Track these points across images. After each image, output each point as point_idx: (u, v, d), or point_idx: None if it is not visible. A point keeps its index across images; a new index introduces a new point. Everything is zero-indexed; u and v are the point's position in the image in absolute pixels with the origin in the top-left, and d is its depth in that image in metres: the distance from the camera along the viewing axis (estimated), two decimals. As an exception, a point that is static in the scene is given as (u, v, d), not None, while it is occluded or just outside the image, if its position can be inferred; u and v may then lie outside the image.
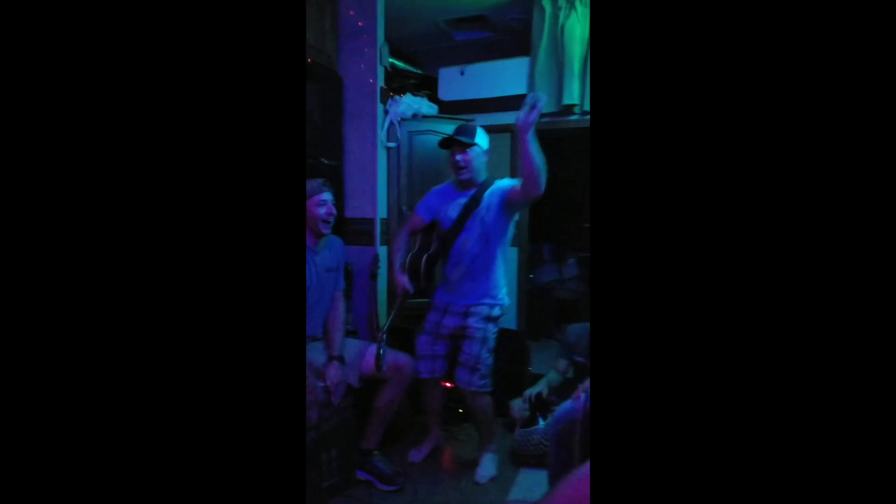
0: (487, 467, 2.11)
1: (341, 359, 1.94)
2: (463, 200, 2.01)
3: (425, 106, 2.70)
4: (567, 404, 1.42)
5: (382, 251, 2.65)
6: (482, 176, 2.03)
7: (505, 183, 1.99)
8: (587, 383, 1.55)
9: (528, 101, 1.65)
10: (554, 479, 1.43)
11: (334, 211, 1.89)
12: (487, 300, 2.02)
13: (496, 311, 2.03)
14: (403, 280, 2.04)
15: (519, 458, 2.20)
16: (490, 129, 2.78)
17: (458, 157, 1.95)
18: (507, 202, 1.94)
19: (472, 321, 2.01)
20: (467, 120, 2.70)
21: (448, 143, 1.98)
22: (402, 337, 2.47)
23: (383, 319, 2.67)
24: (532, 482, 2.06)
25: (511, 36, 3.02)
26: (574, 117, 2.68)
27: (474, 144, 1.95)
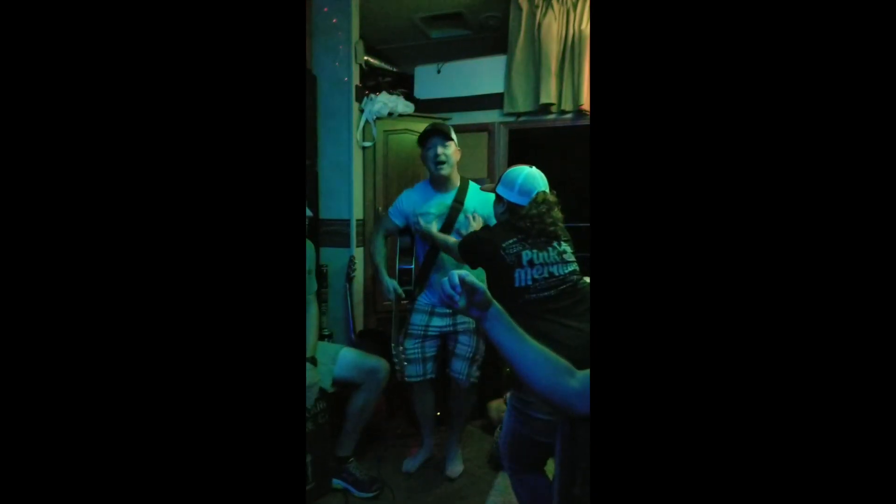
0: (456, 463, 2.14)
1: (313, 360, 1.90)
2: (445, 202, 1.98)
3: (401, 105, 2.66)
4: (500, 433, 1.43)
5: (358, 253, 2.61)
6: (457, 176, 2.02)
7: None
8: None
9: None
10: None
11: None
12: None
13: None
14: (393, 285, 2.02)
15: (497, 461, 2.18)
16: (467, 129, 2.78)
17: (440, 151, 1.93)
18: None
19: (462, 317, 2.00)
20: (444, 119, 2.68)
21: (428, 136, 1.96)
22: (374, 340, 2.44)
23: (360, 322, 2.63)
24: (509, 485, 2.04)
25: (487, 34, 2.99)
26: (551, 116, 2.67)
27: (453, 140, 1.96)
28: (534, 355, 0.85)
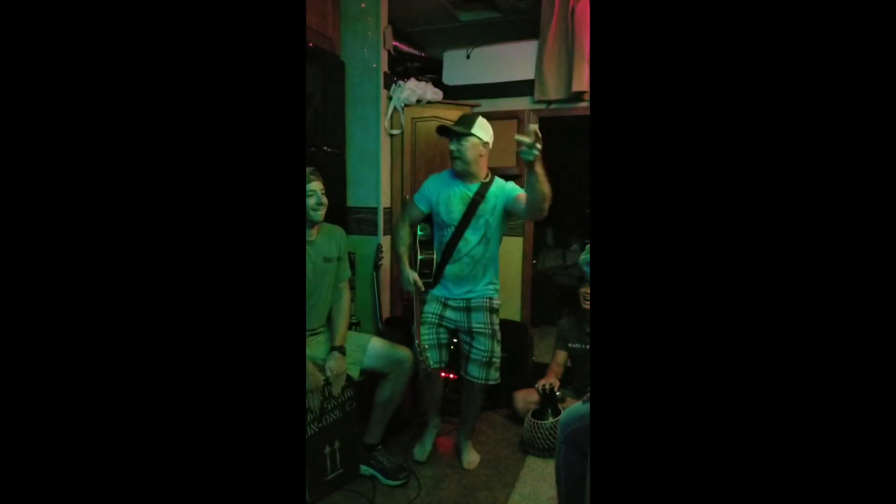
0: (471, 453, 2.16)
1: (342, 350, 1.92)
2: (467, 193, 1.96)
3: (429, 92, 2.62)
4: (578, 406, 1.40)
5: (386, 241, 2.61)
6: (483, 170, 1.97)
7: (511, 190, 1.95)
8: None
9: (530, 135, 1.59)
10: (562, 483, 1.42)
11: (324, 200, 1.81)
12: (487, 294, 2.03)
13: (497, 303, 2.05)
14: (415, 277, 2.01)
15: (525, 447, 2.22)
16: (496, 115, 2.73)
17: (452, 147, 1.90)
18: (509, 210, 1.94)
19: (477, 316, 2.01)
20: (472, 106, 2.64)
21: (443, 131, 1.93)
22: (400, 327, 2.45)
23: (386, 309, 2.64)
24: (538, 471, 2.06)
25: (518, 17, 2.92)
26: (583, 104, 2.61)
27: (469, 134, 1.88)
28: None
